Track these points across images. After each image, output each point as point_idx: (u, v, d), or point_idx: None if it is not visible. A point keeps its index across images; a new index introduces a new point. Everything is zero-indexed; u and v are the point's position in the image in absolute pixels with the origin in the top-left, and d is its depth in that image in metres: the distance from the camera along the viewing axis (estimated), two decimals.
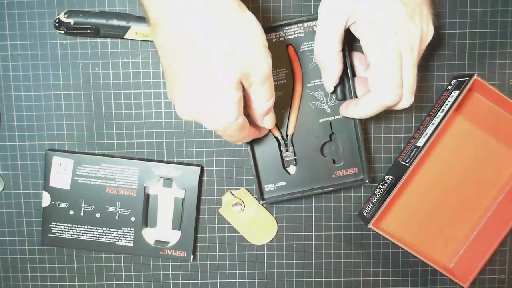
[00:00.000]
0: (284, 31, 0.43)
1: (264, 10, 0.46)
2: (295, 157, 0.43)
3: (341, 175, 0.45)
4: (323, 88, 0.44)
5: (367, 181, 0.43)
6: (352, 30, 0.37)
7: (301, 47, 0.43)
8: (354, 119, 0.43)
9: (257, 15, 0.45)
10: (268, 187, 0.44)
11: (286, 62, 0.43)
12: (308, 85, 0.44)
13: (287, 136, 0.44)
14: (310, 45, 0.43)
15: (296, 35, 0.43)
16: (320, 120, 0.44)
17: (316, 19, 0.41)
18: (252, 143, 0.43)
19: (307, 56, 0.43)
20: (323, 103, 0.44)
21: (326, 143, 0.45)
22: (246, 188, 0.48)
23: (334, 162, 0.45)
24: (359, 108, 0.40)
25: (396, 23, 0.34)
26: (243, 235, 0.48)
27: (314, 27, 0.43)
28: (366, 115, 0.40)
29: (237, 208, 0.47)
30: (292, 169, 0.44)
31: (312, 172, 0.44)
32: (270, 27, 0.42)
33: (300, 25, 0.43)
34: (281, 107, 0.44)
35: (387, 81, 0.36)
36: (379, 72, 0.36)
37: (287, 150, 0.43)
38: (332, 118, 0.44)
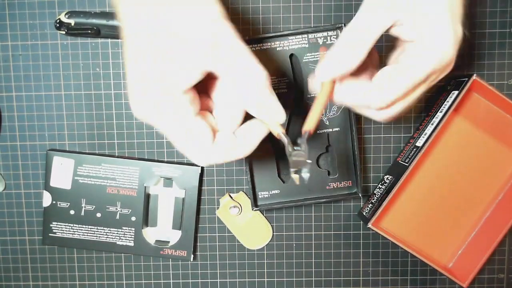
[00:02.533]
0: (288, 41, 0.43)
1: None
2: (309, 161, 0.33)
3: (335, 187, 0.45)
4: None
5: (360, 195, 0.44)
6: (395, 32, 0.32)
7: (304, 57, 0.43)
8: (352, 130, 0.43)
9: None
10: (262, 194, 0.45)
11: (288, 71, 0.44)
12: (309, 95, 0.44)
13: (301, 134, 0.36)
14: (313, 56, 0.43)
15: (300, 45, 0.43)
16: (318, 132, 0.44)
17: (320, 31, 0.42)
18: None
19: (309, 67, 0.43)
20: (322, 114, 0.44)
21: (322, 154, 0.45)
22: (244, 192, 0.48)
23: (328, 173, 0.45)
24: (389, 84, 0.31)
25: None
26: (238, 239, 0.48)
27: (318, 39, 0.43)
28: (399, 93, 0.31)
29: (234, 211, 0.47)
30: (304, 175, 0.33)
31: (306, 182, 0.44)
32: (274, 35, 0.42)
33: (305, 35, 0.43)
34: None
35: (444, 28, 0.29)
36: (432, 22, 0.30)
37: (294, 150, 0.32)
38: (330, 130, 0.44)
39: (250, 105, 0.29)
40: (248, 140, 0.31)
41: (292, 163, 0.32)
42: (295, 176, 0.32)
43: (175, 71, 0.27)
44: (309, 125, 0.32)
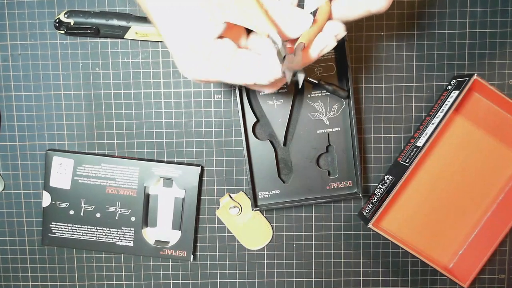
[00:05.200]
0: None
1: None
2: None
3: (335, 187, 0.45)
4: (323, 100, 0.44)
5: (360, 195, 0.44)
6: None
7: None
8: (352, 130, 0.43)
9: None
10: (262, 194, 0.45)
11: None
12: (309, 95, 0.44)
13: None
14: None
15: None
16: (318, 131, 0.44)
17: None
18: (249, 149, 0.44)
19: (310, 67, 0.43)
20: (322, 114, 0.44)
21: (322, 154, 0.45)
22: (244, 192, 0.48)
23: (329, 173, 0.45)
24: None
25: None
26: (238, 239, 0.48)
27: None
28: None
29: (234, 211, 0.47)
30: (300, 76, 0.31)
31: (307, 182, 0.45)
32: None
33: None
34: (280, 116, 0.44)
35: None
36: None
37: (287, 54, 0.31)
38: (330, 130, 0.44)
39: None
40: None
41: (286, 68, 0.30)
42: (295, 79, 0.31)
43: (200, 27, 0.30)
44: (305, 37, 0.31)
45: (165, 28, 0.31)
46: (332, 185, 0.45)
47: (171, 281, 0.49)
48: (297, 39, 0.31)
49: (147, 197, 0.47)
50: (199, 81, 0.33)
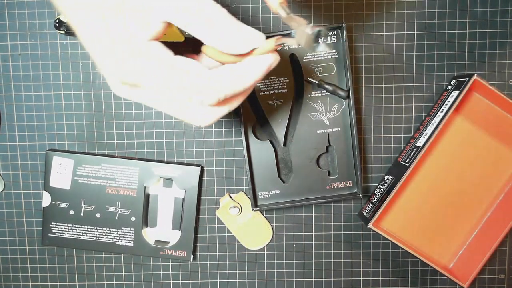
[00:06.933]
0: None
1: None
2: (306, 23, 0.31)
3: (335, 187, 0.45)
4: (323, 100, 0.44)
5: (360, 195, 0.44)
6: None
7: (304, 57, 0.44)
8: (352, 130, 0.43)
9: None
10: (262, 194, 0.45)
11: (288, 71, 0.44)
12: (309, 95, 0.44)
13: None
14: (313, 56, 0.44)
15: (299, 45, 0.43)
16: (318, 132, 0.44)
17: None
18: (249, 149, 0.44)
19: (310, 67, 0.43)
20: (322, 114, 0.44)
21: (322, 154, 0.45)
22: (244, 192, 0.48)
23: (329, 173, 0.45)
24: None
25: None
26: (238, 239, 0.48)
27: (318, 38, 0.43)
28: None
29: (234, 212, 0.47)
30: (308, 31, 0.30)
31: (307, 182, 0.45)
32: (274, 35, 0.42)
33: None
34: (280, 116, 0.44)
35: None
36: None
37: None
38: (330, 130, 0.44)
39: (228, 44, 0.28)
40: (254, 63, 0.30)
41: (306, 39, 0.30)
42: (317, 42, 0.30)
43: (131, 26, 0.26)
44: None
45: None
46: (332, 185, 0.45)
47: (171, 281, 0.49)
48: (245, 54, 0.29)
49: (147, 197, 0.47)
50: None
